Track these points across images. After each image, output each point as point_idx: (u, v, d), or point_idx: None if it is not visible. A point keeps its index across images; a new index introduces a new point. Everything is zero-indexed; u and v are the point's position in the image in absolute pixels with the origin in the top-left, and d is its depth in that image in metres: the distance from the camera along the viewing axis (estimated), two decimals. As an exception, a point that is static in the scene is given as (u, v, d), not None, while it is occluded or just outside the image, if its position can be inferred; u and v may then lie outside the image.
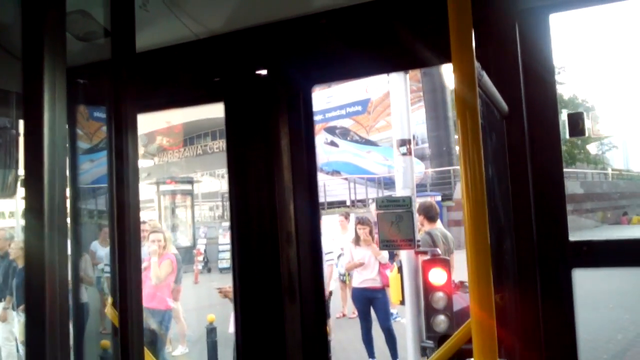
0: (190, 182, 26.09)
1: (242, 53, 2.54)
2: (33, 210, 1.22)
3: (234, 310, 2.54)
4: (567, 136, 2.19)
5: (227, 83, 2.56)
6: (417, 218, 7.19)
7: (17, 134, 3.16)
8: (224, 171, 43.43)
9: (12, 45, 2.56)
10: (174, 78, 2.64)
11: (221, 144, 39.72)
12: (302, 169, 2.49)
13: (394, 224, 3.44)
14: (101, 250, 8.74)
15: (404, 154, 4.70)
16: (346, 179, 25.12)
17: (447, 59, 2.47)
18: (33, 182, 1.23)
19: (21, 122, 3.27)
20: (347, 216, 12.02)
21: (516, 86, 2.03)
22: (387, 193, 26.45)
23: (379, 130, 35.20)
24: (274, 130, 2.49)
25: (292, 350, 2.44)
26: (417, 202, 4.94)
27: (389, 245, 3.60)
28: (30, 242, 1.24)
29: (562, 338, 2.06)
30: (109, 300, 2.64)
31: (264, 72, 2.52)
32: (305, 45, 2.48)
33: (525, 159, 2.03)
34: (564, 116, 2.19)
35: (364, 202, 25.91)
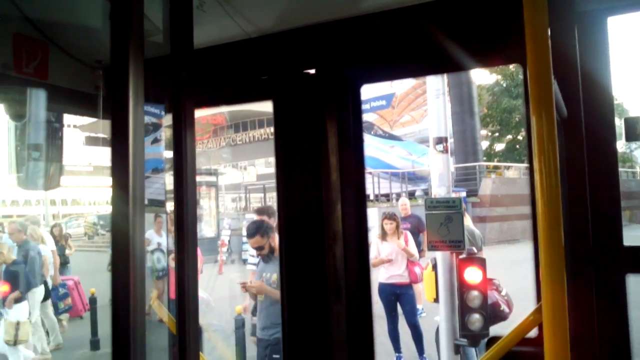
0: (215, 174, 26.28)
1: (291, 52, 2.55)
2: (120, 199, 1.37)
3: (281, 308, 2.56)
4: (624, 140, 2.16)
5: (276, 82, 2.57)
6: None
7: (61, 128, 3.22)
8: (246, 163, 43.69)
9: (65, 43, 2.61)
10: (226, 75, 2.66)
11: (244, 136, 39.95)
12: (350, 168, 2.49)
13: (443, 225, 3.43)
14: (156, 238, 8.91)
15: (440, 152, 4.67)
16: (370, 173, 25.05)
17: (505, 60, 2.45)
18: (119, 173, 1.38)
19: (65, 116, 3.35)
20: None
21: (575, 89, 2.01)
22: (410, 188, 26.36)
23: (403, 125, 35.08)
24: (322, 130, 2.49)
25: (338, 349, 2.45)
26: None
27: (437, 246, 3.59)
28: (118, 227, 1.39)
29: (615, 341, 2.04)
30: (154, 293, 2.70)
31: (312, 71, 2.53)
32: (355, 45, 2.48)
33: (583, 163, 2.02)
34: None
35: (387, 197, 25.86)
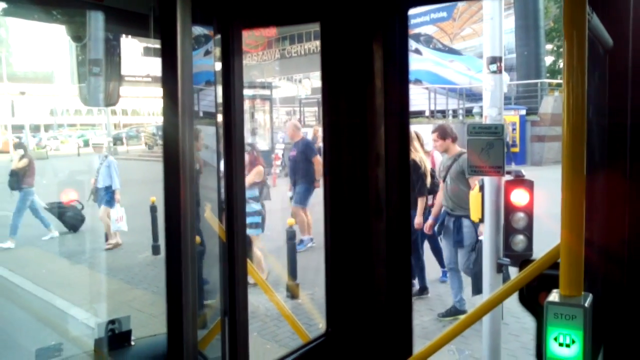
0: (269, 87, 26.29)
1: None
2: (169, 107, 1.49)
3: (324, 224, 2.70)
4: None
5: (324, 3, 2.58)
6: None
7: (119, 46, 3.33)
8: (301, 76, 43.38)
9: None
10: None
11: (299, 48, 39.42)
12: (394, 92, 2.53)
13: (484, 151, 3.44)
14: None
15: (493, 72, 4.57)
16: (427, 88, 24.51)
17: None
18: (169, 88, 1.49)
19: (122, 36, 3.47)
20: None
21: (624, 20, 1.95)
22: (468, 105, 25.76)
23: (463, 39, 33.69)
24: (368, 53, 2.51)
25: (378, 266, 2.59)
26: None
27: (477, 171, 3.62)
28: (168, 133, 1.52)
29: None
30: (208, 206, 2.87)
31: None
32: None
33: (626, 94, 1.99)
34: None
35: (443, 113, 25.42)
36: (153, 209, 10.58)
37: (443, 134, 6.97)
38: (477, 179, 5.39)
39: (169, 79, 1.48)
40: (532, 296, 2.32)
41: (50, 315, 7.43)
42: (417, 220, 7.27)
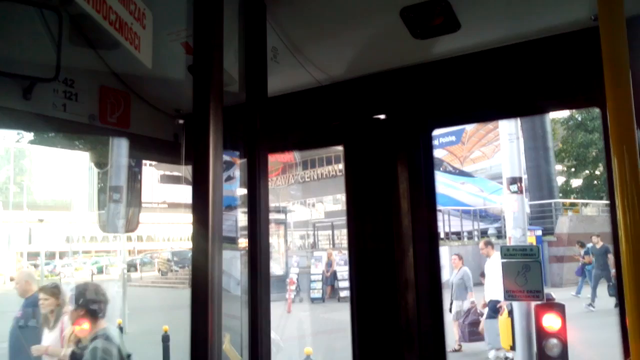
0: (284, 211, 26.52)
1: (361, 98, 2.57)
2: (200, 233, 1.46)
3: (352, 356, 2.52)
4: None
5: (346, 127, 2.59)
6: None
7: (140, 172, 3.35)
8: (314, 200, 43.90)
9: (146, 94, 2.73)
10: (298, 122, 2.72)
11: (312, 173, 40.23)
12: (421, 214, 2.45)
13: (520, 274, 3.30)
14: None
15: (514, 192, 4.53)
16: (440, 210, 24.58)
17: (582, 104, 2.37)
18: (200, 215, 1.47)
19: (144, 161, 3.49)
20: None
21: None
22: (482, 225, 25.64)
23: (473, 161, 34.37)
24: (393, 175, 2.48)
25: None
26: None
27: (513, 296, 3.45)
28: (197, 259, 1.49)
29: None
30: (227, 337, 2.71)
31: (382, 116, 2.54)
32: (425, 91, 2.47)
33: None
34: None
35: (458, 235, 25.25)
36: (165, 339, 10.22)
37: None
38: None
39: (200, 205, 1.45)
40: None
41: None
42: None
